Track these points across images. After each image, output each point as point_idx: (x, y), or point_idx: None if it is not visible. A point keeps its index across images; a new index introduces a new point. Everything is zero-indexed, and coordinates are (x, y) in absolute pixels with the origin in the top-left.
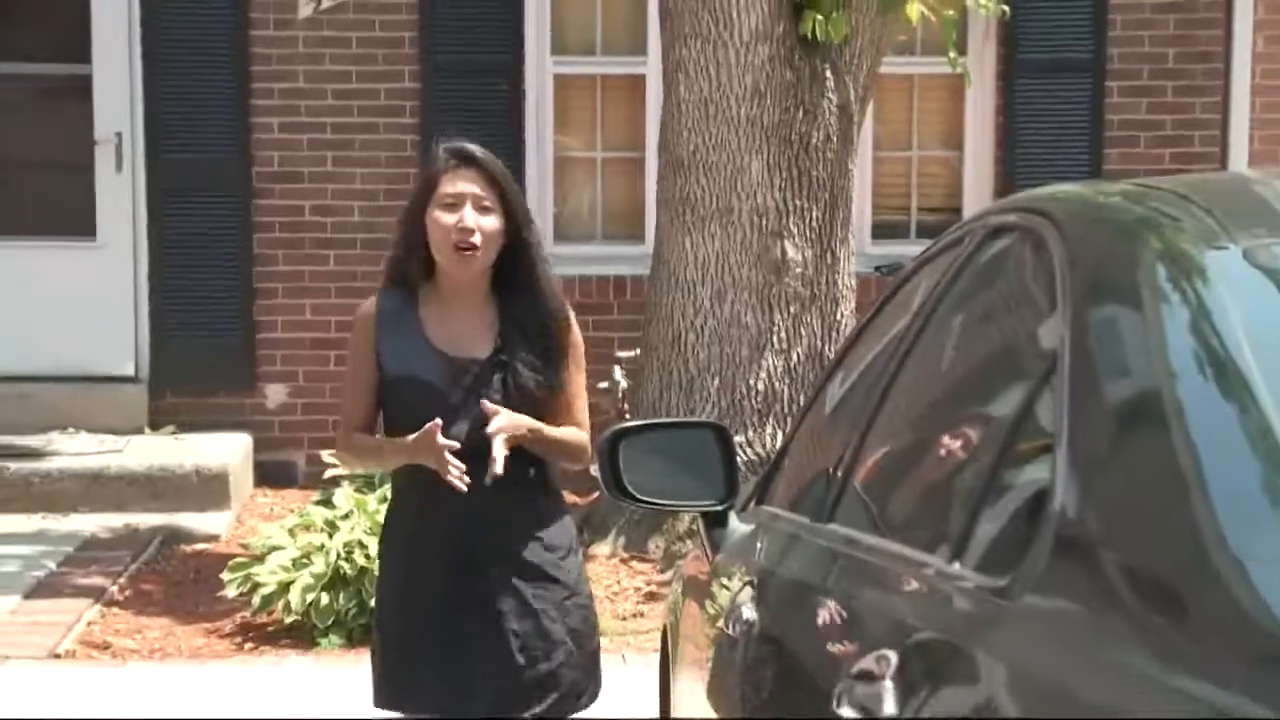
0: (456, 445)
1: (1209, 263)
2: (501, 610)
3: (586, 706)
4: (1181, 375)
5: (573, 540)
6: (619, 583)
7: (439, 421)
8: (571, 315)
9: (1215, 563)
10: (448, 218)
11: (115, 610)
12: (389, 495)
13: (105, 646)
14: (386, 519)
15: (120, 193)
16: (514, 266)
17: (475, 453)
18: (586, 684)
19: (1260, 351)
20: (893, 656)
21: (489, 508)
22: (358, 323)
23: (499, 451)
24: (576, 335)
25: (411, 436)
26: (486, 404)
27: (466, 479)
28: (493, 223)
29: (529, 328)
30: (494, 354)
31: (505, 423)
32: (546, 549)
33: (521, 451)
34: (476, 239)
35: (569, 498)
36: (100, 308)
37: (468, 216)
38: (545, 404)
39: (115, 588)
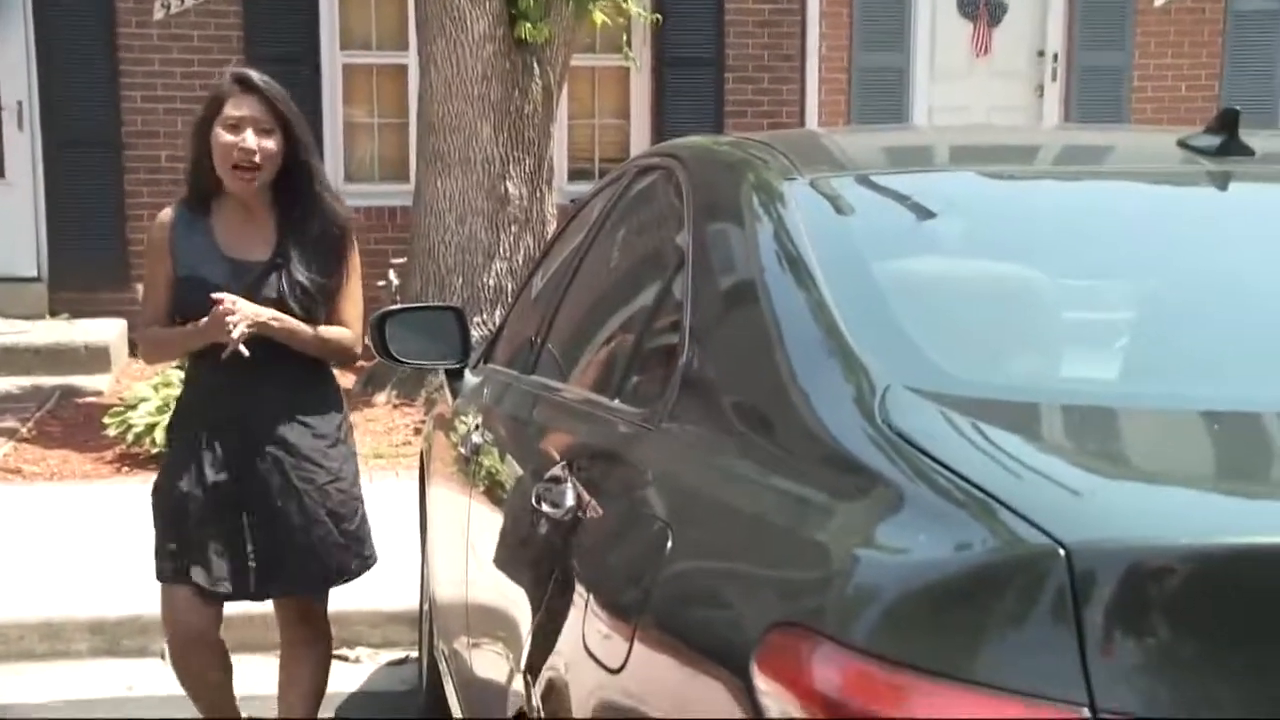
0: (234, 310)
1: (786, 190)
2: (270, 489)
3: (350, 580)
4: (767, 268)
5: (341, 431)
6: (394, 421)
7: (223, 296)
8: (351, 228)
9: (791, 394)
10: (230, 138)
11: (25, 445)
12: (182, 383)
13: (17, 471)
14: (176, 406)
15: (23, 145)
16: (294, 182)
17: (258, 345)
18: (348, 560)
19: (819, 251)
20: (573, 465)
21: (267, 396)
22: (155, 229)
23: (238, 333)
24: (353, 246)
25: (204, 320)
26: (218, 295)
27: (245, 348)
28: (272, 144)
29: (305, 235)
30: (272, 257)
31: (244, 309)
32: (315, 436)
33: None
34: (257, 158)
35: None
36: (11, 229)
37: (249, 138)
38: (319, 304)
39: (25, 429)
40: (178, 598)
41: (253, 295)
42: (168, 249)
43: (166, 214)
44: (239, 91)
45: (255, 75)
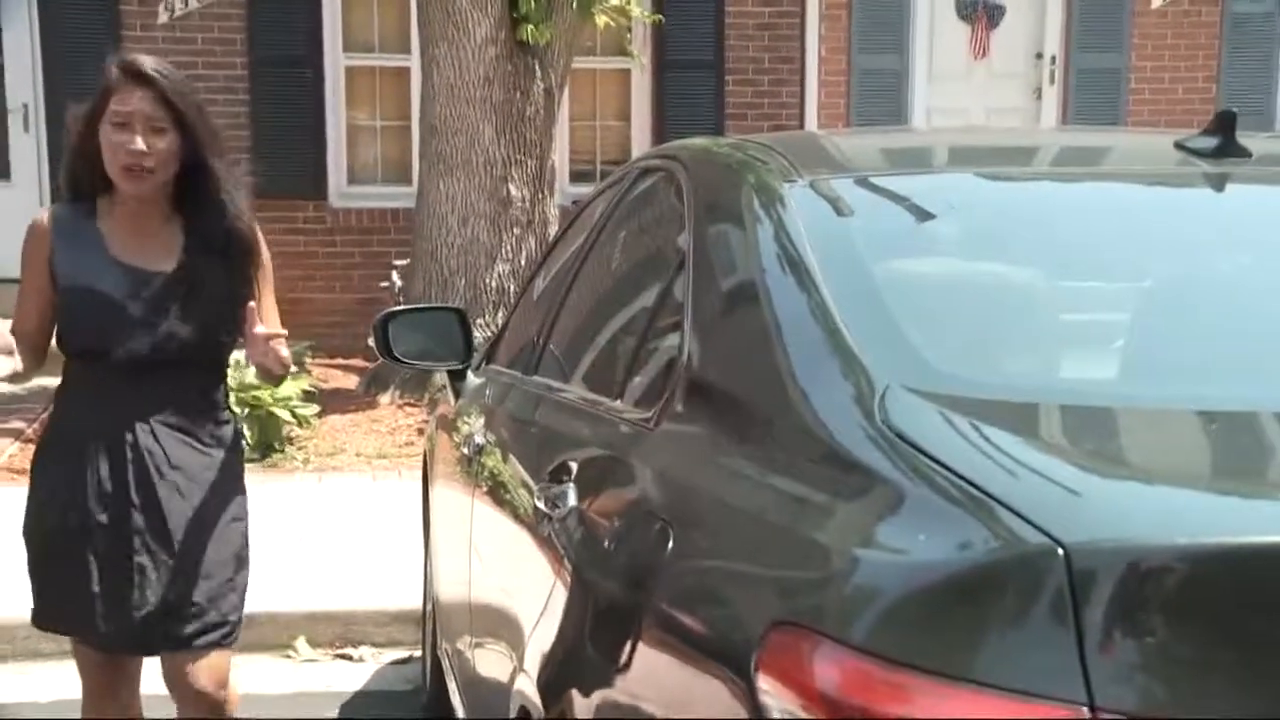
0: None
1: (786, 191)
2: (170, 524)
3: (229, 644)
4: (768, 269)
5: (240, 464)
6: (398, 421)
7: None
8: (259, 233)
9: (791, 395)
10: (118, 137)
11: (30, 446)
12: (56, 395)
13: (22, 471)
14: (50, 425)
15: (28, 146)
16: (197, 183)
17: (156, 366)
18: (234, 617)
19: (818, 252)
20: (575, 466)
21: (164, 420)
22: (32, 234)
23: (280, 349)
24: (263, 252)
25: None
26: (252, 305)
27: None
28: (166, 144)
29: (214, 243)
30: (178, 268)
31: (267, 331)
32: (215, 469)
33: (202, 370)
34: (149, 162)
35: (360, 363)
36: (16, 230)
37: (138, 139)
38: (231, 319)
39: (29, 430)
40: (81, 650)
41: (160, 310)
42: (46, 258)
43: (43, 217)
44: (127, 83)
45: (148, 64)
